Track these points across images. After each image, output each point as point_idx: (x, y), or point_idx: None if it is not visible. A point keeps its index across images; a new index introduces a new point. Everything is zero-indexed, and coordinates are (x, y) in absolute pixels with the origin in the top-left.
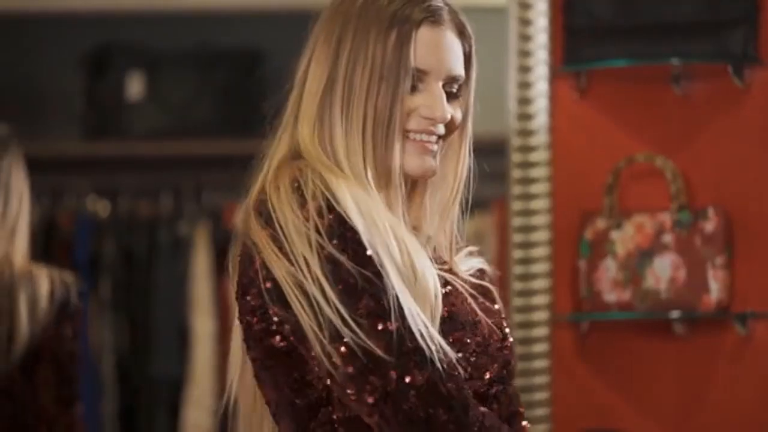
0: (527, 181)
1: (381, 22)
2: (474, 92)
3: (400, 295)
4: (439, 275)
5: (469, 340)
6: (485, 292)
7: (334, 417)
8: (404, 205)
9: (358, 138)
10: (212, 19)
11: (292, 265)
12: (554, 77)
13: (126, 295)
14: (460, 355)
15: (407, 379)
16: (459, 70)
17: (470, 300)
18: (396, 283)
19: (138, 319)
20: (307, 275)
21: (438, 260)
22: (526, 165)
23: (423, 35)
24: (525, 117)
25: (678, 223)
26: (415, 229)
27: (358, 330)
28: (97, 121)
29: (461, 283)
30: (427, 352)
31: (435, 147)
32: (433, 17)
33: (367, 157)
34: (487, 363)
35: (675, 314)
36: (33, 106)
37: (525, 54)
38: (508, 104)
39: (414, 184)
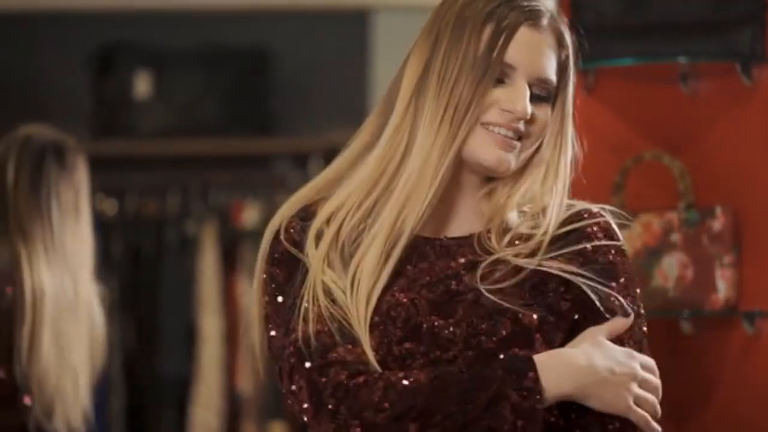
0: None
1: (478, 18)
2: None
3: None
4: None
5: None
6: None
7: None
8: (476, 194)
9: (433, 125)
10: (219, 18)
11: None
12: None
13: (133, 293)
14: None
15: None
16: (549, 74)
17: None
18: None
19: (145, 318)
20: None
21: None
22: None
23: (519, 34)
24: None
25: (686, 222)
26: (490, 219)
27: None
28: (104, 120)
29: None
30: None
31: (514, 143)
32: (532, 20)
33: (436, 144)
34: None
35: (683, 313)
36: (40, 105)
37: None
38: None
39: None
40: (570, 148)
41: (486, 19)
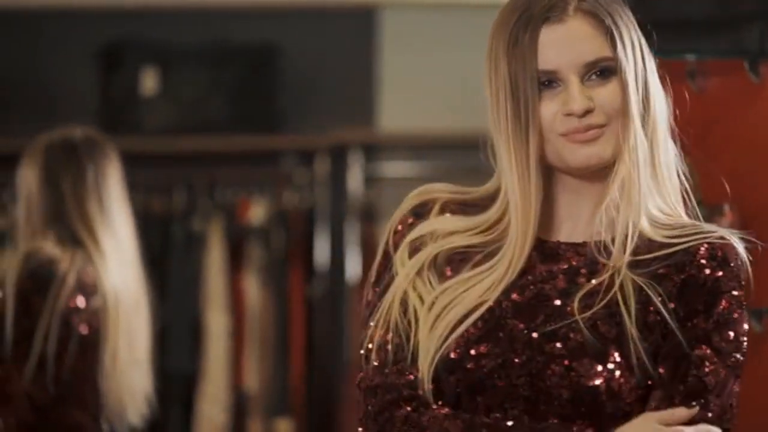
0: None
1: (504, 41)
2: (634, 73)
3: None
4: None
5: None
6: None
7: None
8: (595, 197)
9: (511, 145)
10: (226, 15)
11: None
12: None
13: None
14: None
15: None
16: (594, 54)
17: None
18: None
19: (151, 315)
20: None
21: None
22: None
23: (544, 37)
24: None
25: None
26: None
27: None
28: (111, 117)
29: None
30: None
31: (591, 134)
32: (552, 15)
33: (520, 162)
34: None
35: None
36: (47, 102)
37: None
38: None
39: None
40: (640, 129)
41: (509, 39)
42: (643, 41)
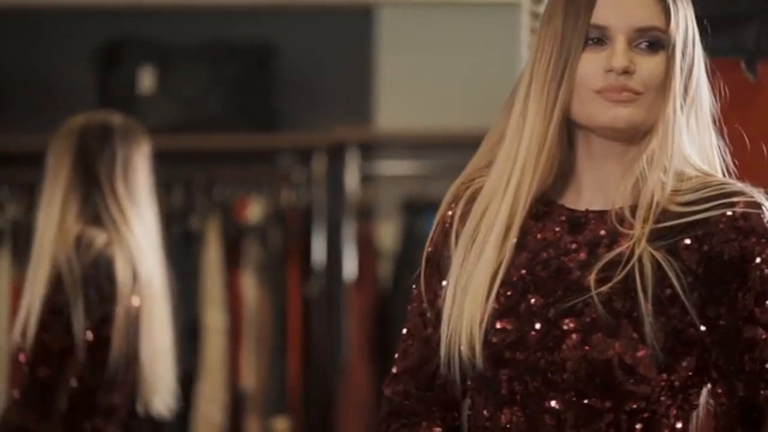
0: None
1: None
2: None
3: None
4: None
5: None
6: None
7: None
8: (622, 162)
9: (539, 97)
10: (224, 13)
11: None
12: None
13: None
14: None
15: None
16: (647, 22)
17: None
18: None
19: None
20: None
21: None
22: None
23: None
24: None
25: None
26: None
27: None
28: None
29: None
30: None
31: (625, 96)
32: None
33: (539, 112)
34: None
35: None
36: (45, 100)
37: None
38: None
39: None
40: (679, 108)
41: None
42: (697, 30)
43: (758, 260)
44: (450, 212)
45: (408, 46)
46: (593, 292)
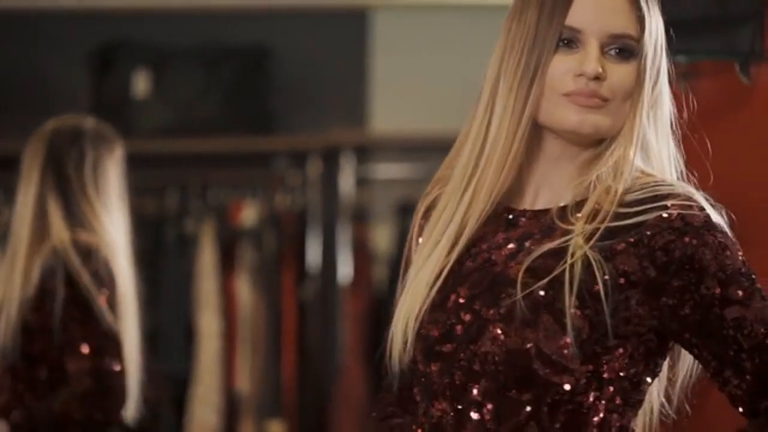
0: None
1: None
2: (651, 59)
3: None
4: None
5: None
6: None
7: None
8: (565, 162)
9: (508, 96)
10: (218, 17)
11: None
12: None
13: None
14: None
15: None
16: (621, 29)
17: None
18: None
19: (143, 317)
20: None
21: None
22: None
23: None
24: None
25: None
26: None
27: None
28: (104, 118)
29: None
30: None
31: (593, 102)
32: None
33: (507, 113)
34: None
35: None
36: (39, 103)
37: None
38: None
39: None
40: (645, 117)
41: None
42: (664, 38)
43: (706, 252)
44: (418, 220)
45: (402, 49)
46: (519, 282)
